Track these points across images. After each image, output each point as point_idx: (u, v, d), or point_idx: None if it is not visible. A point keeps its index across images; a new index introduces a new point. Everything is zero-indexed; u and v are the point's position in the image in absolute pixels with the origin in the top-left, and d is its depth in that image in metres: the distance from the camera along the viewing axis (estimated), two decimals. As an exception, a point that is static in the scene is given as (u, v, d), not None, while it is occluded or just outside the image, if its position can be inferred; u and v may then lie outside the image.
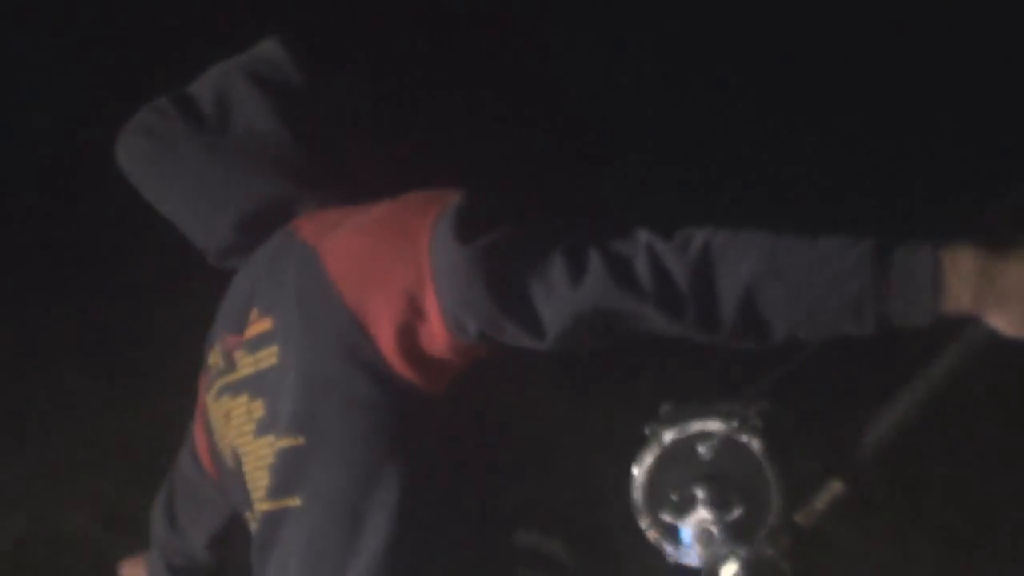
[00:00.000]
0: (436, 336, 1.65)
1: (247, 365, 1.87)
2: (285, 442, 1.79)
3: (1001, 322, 1.45)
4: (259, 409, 1.85)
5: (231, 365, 1.90)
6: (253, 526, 1.93)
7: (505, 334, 1.62)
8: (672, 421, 1.68)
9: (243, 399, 1.88)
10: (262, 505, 1.86)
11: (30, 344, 7.29)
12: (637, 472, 1.69)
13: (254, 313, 1.87)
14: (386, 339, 1.67)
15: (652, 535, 1.71)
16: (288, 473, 1.80)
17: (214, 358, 1.97)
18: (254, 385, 1.86)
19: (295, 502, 1.80)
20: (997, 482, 5.82)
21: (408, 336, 1.67)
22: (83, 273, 7.80)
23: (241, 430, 1.88)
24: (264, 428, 1.84)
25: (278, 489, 1.82)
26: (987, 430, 6.48)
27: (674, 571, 1.75)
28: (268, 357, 1.83)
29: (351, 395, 1.72)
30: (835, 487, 1.66)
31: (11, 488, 5.69)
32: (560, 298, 1.56)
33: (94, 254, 7.88)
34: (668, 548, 1.70)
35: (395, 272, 1.67)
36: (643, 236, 1.57)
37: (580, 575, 4.90)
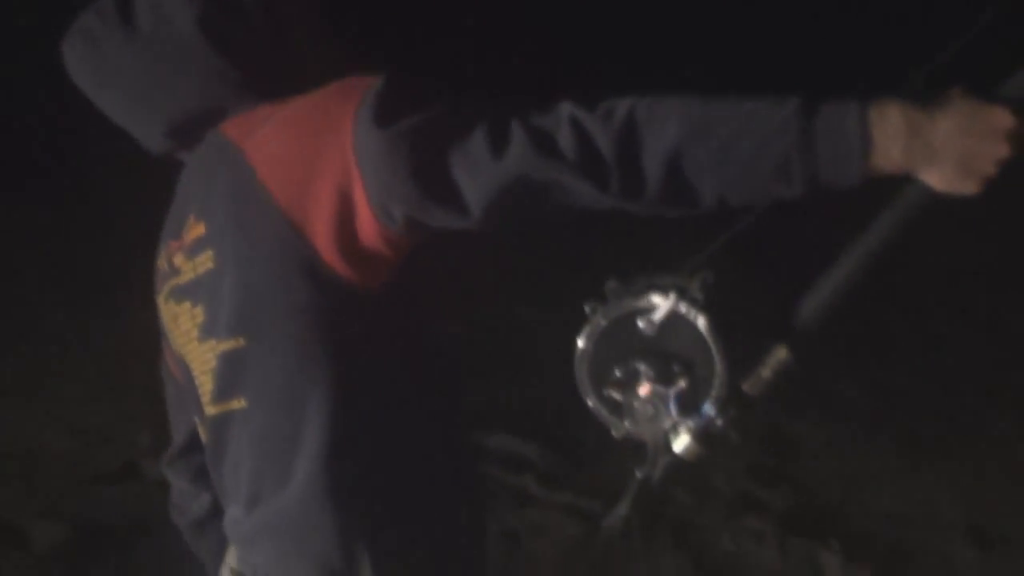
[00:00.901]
0: (367, 227, 1.65)
1: (187, 271, 1.87)
2: (226, 345, 1.80)
3: (933, 178, 1.45)
4: (200, 314, 1.86)
5: (174, 271, 1.90)
6: (203, 433, 1.95)
7: (431, 216, 1.62)
8: (614, 298, 1.68)
9: (186, 305, 1.88)
10: (210, 410, 1.88)
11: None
12: (580, 349, 1.70)
13: (191, 218, 1.87)
14: (322, 237, 1.66)
15: (598, 411, 1.71)
16: (231, 376, 1.82)
17: (161, 262, 1.97)
18: (194, 291, 1.86)
19: (240, 404, 1.82)
20: (965, 390, 5.91)
21: (342, 231, 1.66)
22: (47, 187, 7.79)
23: (188, 336, 1.89)
24: (206, 333, 1.85)
25: (222, 392, 1.84)
26: (959, 336, 6.55)
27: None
28: (205, 262, 1.83)
29: (288, 295, 1.72)
30: (780, 353, 1.65)
31: (-19, 406, 5.72)
32: (483, 173, 1.55)
33: (58, 168, 7.86)
34: (615, 424, 1.70)
35: (322, 167, 1.65)
36: (566, 108, 1.55)
37: (552, 475, 4.98)
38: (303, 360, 1.73)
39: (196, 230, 1.84)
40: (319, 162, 1.65)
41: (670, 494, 4.87)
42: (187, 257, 1.85)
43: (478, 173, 1.55)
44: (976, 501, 4.88)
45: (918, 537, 4.65)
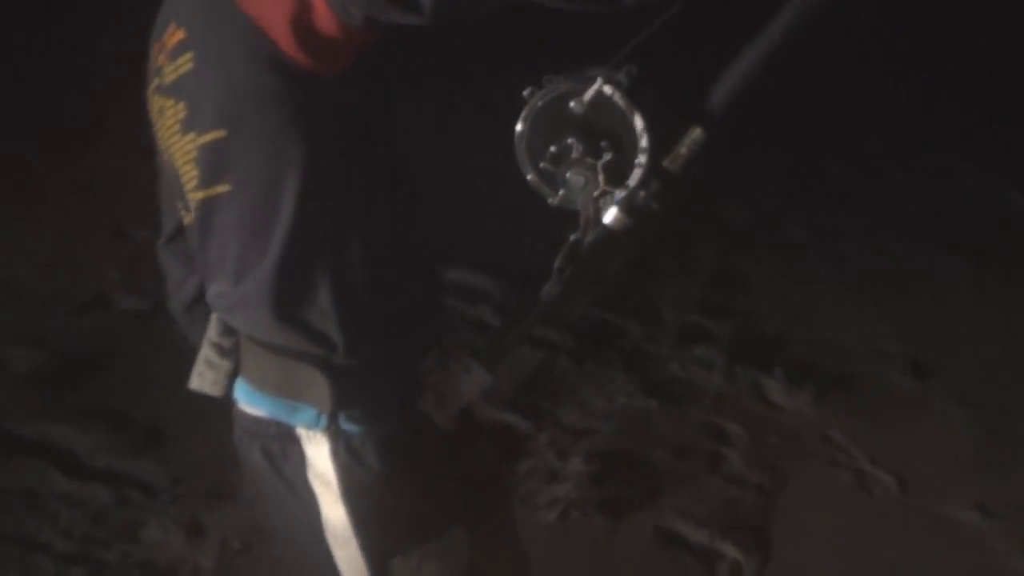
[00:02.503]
0: (326, 24, 1.79)
1: (170, 72, 2.01)
2: (208, 136, 1.95)
3: None
4: (183, 110, 2.00)
5: (158, 71, 2.05)
6: (188, 218, 2.10)
7: (387, 12, 1.75)
8: (549, 85, 1.84)
9: (171, 101, 2.02)
10: (195, 195, 2.03)
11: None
12: (519, 129, 1.86)
13: (172, 25, 2.00)
14: (283, 36, 1.81)
15: (535, 182, 1.88)
16: (215, 163, 1.97)
17: (151, 62, 2.11)
18: (177, 90, 2.00)
19: (224, 188, 1.98)
20: (906, 234, 6.15)
21: (301, 29, 1.80)
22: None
23: (171, 130, 2.03)
24: (187, 127, 1.99)
25: (207, 179, 1.99)
26: (903, 183, 6.73)
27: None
28: (185, 63, 1.97)
29: (261, 89, 1.86)
30: (696, 133, 1.83)
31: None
32: None
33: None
34: (550, 194, 1.88)
35: None
36: None
37: (507, 305, 5.16)
38: (279, 145, 1.88)
39: (176, 35, 1.98)
40: None
41: (622, 326, 5.09)
42: (169, 59, 2.00)
43: None
44: (914, 335, 5.11)
45: (857, 366, 4.88)
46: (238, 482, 3.61)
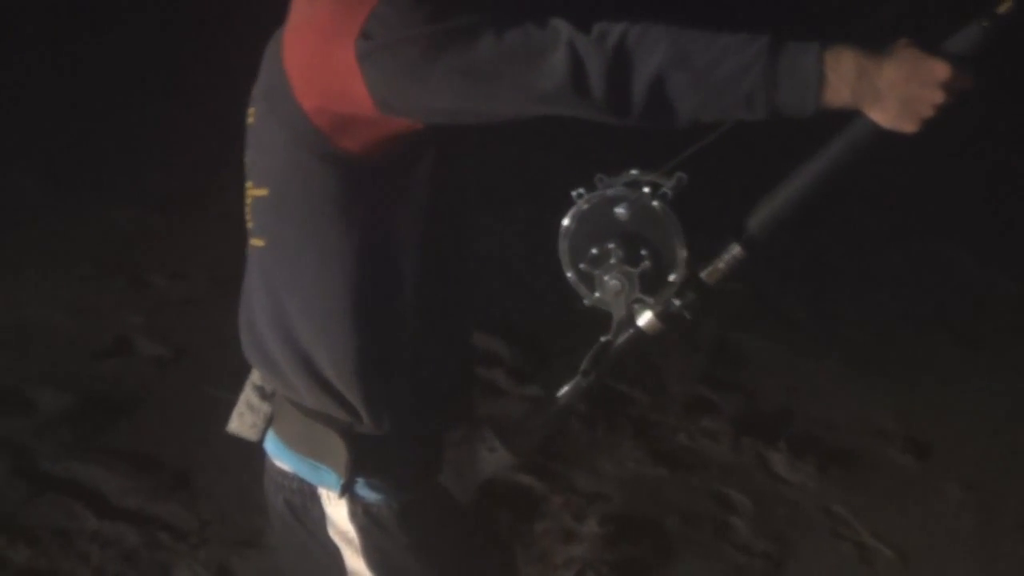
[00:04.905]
0: (371, 121, 1.86)
1: (248, 116, 2.11)
2: (258, 192, 2.06)
3: (877, 115, 1.70)
4: (247, 156, 2.11)
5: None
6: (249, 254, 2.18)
7: (435, 121, 1.86)
8: (599, 187, 1.91)
9: (246, 144, 2.13)
10: (249, 238, 2.12)
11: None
12: (564, 228, 1.93)
13: (260, 74, 2.09)
14: (326, 124, 1.89)
15: (574, 281, 1.96)
16: (258, 216, 2.07)
17: None
18: (248, 135, 2.11)
19: (260, 243, 2.07)
20: (901, 315, 6.29)
21: (347, 124, 1.88)
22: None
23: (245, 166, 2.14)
24: (248, 174, 2.10)
25: (254, 230, 2.09)
26: (898, 267, 6.87)
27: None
28: (251, 115, 2.09)
29: (301, 165, 1.94)
30: (734, 250, 1.90)
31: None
32: (486, 87, 1.77)
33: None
34: (586, 293, 1.95)
35: (333, 80, 1.85)
36: (564, 30, 1.73)
37: (520, 370, 5.29)
38: (310, 220, 1.97)
39: (256, 86, 2.08)
40: (330, 76, 1.86)
41: (630, 395, 5.19)
42: (249, 104, 2.11)
43: (481, 89, 1.78)
44: (911, 414, 5.21)
45: (857, 443, 4.97)
46: (264, 528, 3.74)
